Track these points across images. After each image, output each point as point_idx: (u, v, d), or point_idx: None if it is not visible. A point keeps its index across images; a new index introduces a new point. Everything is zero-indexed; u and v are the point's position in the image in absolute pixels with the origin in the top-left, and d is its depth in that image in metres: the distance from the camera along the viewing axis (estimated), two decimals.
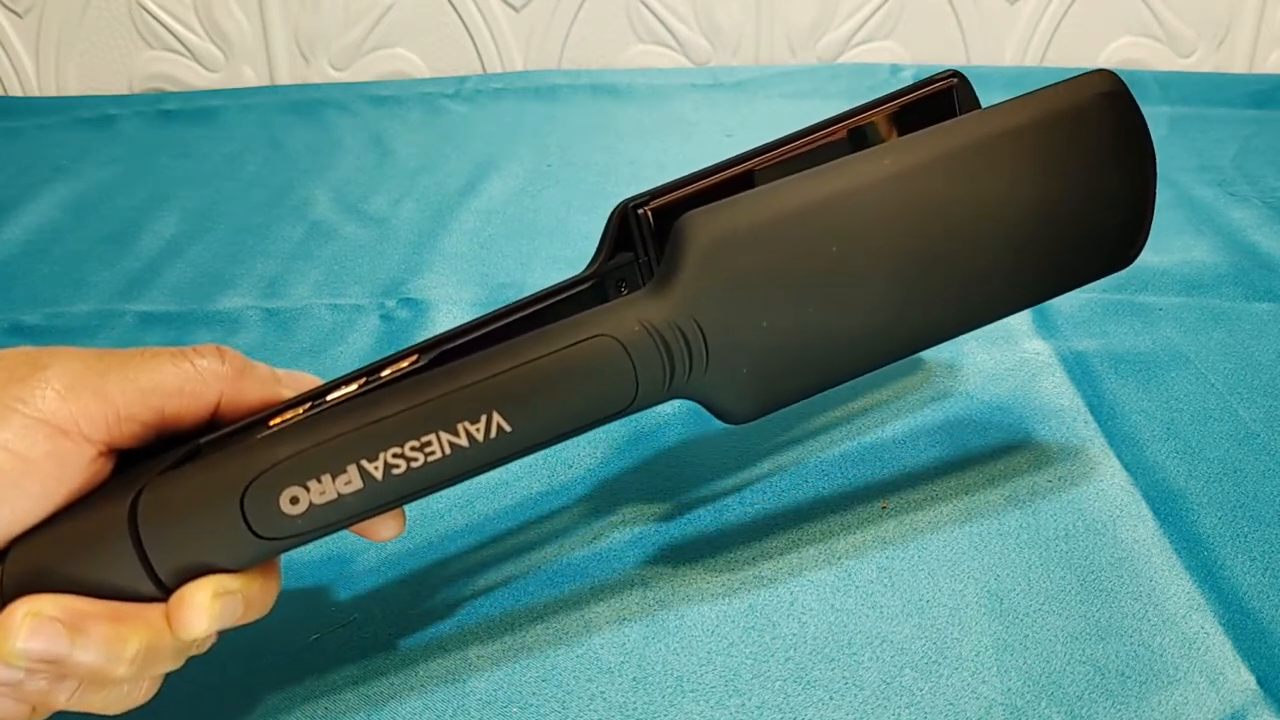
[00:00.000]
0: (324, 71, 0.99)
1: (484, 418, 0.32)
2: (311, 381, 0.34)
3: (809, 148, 0.41)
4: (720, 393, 0.36)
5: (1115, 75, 0.39)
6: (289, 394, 0.33)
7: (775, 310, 0.36)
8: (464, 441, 0.32)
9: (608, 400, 0.34)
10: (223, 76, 0.99)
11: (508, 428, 0.33)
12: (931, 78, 0.43)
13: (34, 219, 0.74)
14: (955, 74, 0.43)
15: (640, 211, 0.40)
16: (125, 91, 0.99)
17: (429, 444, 0.32)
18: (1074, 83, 0.38)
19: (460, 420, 0.32)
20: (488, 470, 0.33)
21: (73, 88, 0.99)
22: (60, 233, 0.72)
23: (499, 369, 0.33)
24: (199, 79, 0.99)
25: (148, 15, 0.96)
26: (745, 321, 0.35)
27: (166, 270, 0.66)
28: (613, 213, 0.40)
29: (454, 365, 0.33)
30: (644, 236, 0.40)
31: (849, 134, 0.42)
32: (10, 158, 0.85)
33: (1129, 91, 0.39)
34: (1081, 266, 0.40)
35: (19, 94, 0.99)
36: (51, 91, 0.99)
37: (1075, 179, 0.38)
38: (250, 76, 0.99)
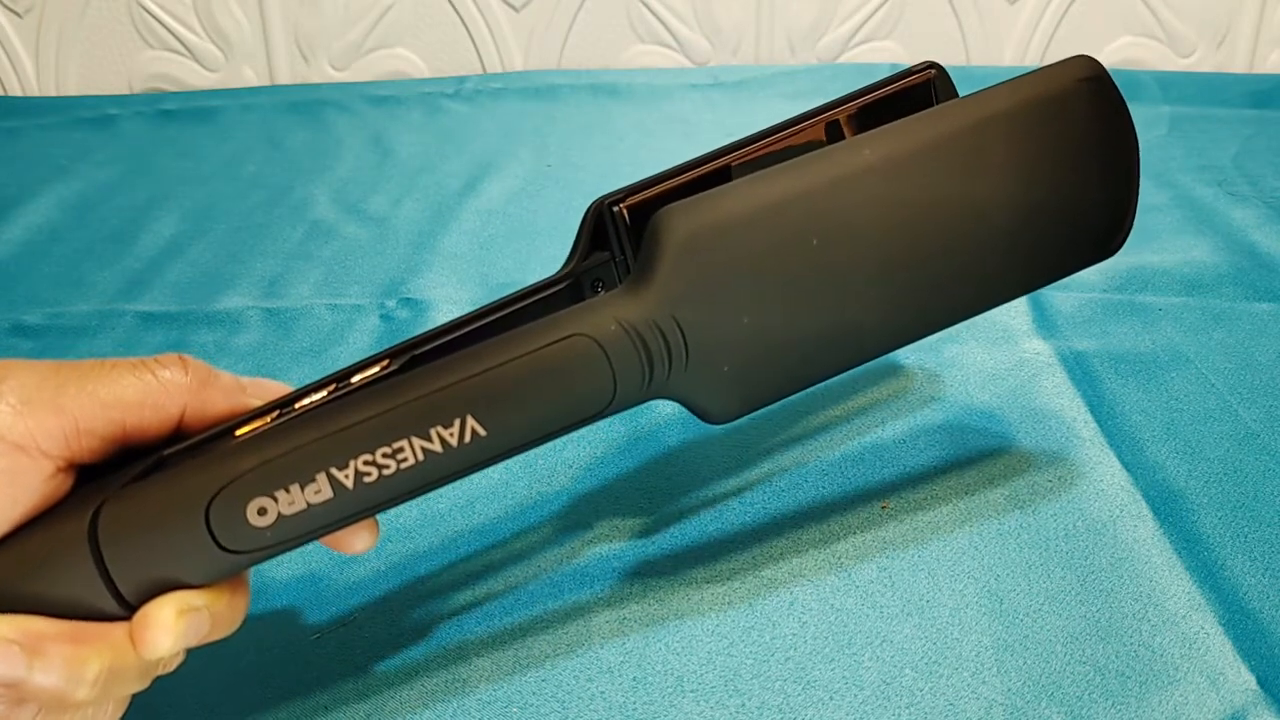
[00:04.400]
0: (324, 71, 0.99)
1: (458, 422, 0.31)
2: (279, 390, 0.33)
3: (786, 142, 0.41)
4: (701, 392, 0.35)
5: (1095, 61, 0.38)
6: (255, 403, 0.32)
7: (756, 305, 0.35)
8: (437, 447, 0.31)
9: (585, 401, 0.33)
10: (223, 76, 0.99)
11: (482, 432, 0.32)
12: (909, 70, 0.42)
13: (34, 219, 0.74)
14: (933, 65, 0.42)
15: (615, 209, 0.39)
16: (125, 91, 0.99)
17: (401, 450, 0.31)
18: (1054, 69, 0.38)
19: (433, 425, 0.31)
20: (463, 477, 0.32)
21: (73, 88, 0.99)
22: (60, 233, 0.72)
23: (472, 372, 0.32)
24: (199, 79, 0.99)
25: (148, 15, 0.96)
26: (725, 317, 0.35)
27: (167, 270, 0.66)
28: (587, 211, 0.39)
29: (426, 369, 0.32)
30: (619, 234, 0.39)
31: (826, 128, 0.41)
32: (10, 158, 0.85)
33: (1109, 76, 0.38)
34: (1066, 255, 0.39)
35: (19, 94, 0.99)
36: (51, 91, 0.99)
37: (1057, 165, 0.37)
38: (250, 76, 0.99)
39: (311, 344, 0.58)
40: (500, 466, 0.43)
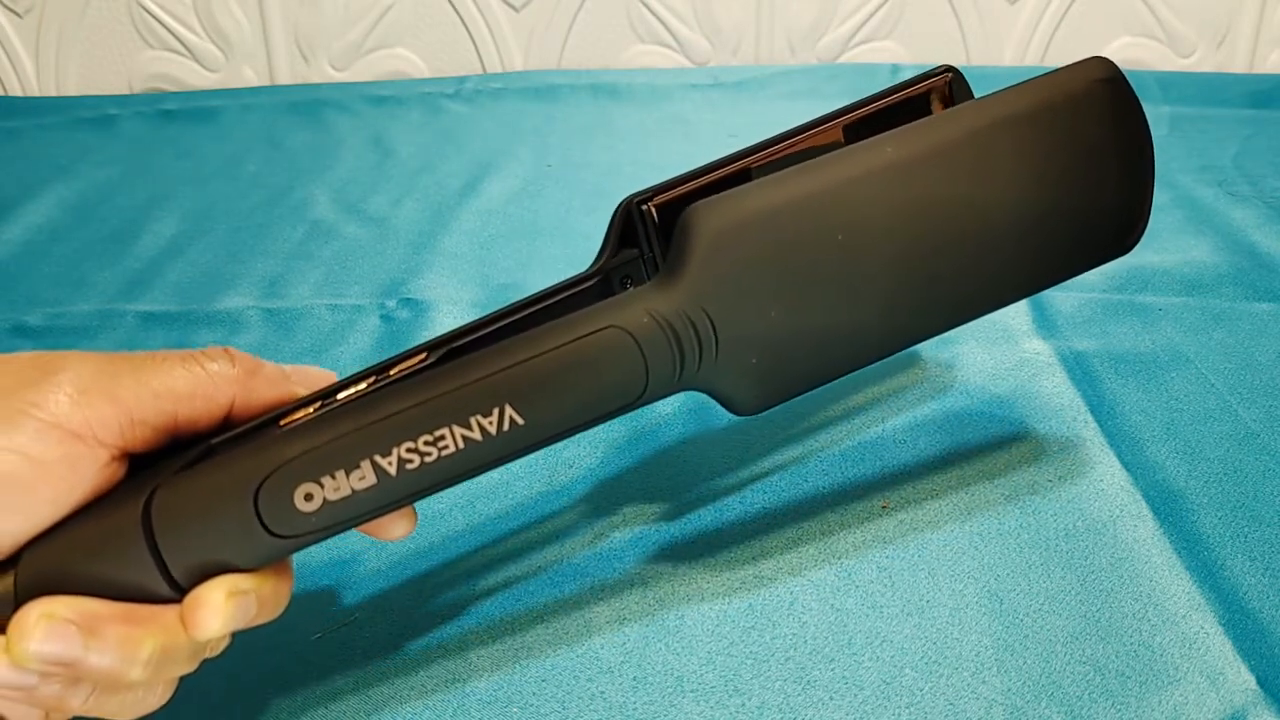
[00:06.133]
0: (324, 71, 0.99)
1: (496, 411, 0.32)
2: (321, 375, 0.35)
3: (806, 144, 0.41)
4: (729, 383, 0.36)
5: (1111, 62, 0.39)
6: (300, 391, 0.33)
7: (783, 298, 0.36)
8: (477, 435, 0.32)
9: (618, 391, 0.34)
10: (223, 76, 0.99)
11: (520, 420, 0.33)
12: (926, 73, 0.43)
13: (34, 219, 0.74)
14: (950, 69, 0.43)
15: (644, 207, 0.40)
16: (125, 91, 0.99)
17: (442, 438, 0.32)
18: (1071, 70, 0.39)
19: (473, 414, 0.32)
20: (500, 464, 0.33)
21: (73, 88, 0.99)
22: (60, 233, 0.72)
23: (510, 362, 0.33)
24: (199, 79, 0.99)
25: (148, 15, 0.96)
26: (754, 310, 0.35)
27: (167, 270, 0.67)
28: (617, 209, 0.40)
29: (465, 360, 0.33)
30: (648, 232, 0.40)
31: (844, 130, 0.42)
32: (10, 158, 0.85)
33: (1125, 78, 0.39)
34: (1083, 252, 0.40)
35: (19, 94, 0.99)
36: (51, 91, 0.99)
37: (1074, 165, 0.38)
38: (250, 76, 0.99)
39: (312, 344, 0.58)
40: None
